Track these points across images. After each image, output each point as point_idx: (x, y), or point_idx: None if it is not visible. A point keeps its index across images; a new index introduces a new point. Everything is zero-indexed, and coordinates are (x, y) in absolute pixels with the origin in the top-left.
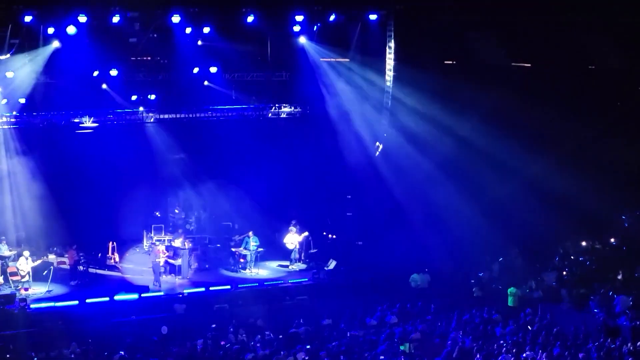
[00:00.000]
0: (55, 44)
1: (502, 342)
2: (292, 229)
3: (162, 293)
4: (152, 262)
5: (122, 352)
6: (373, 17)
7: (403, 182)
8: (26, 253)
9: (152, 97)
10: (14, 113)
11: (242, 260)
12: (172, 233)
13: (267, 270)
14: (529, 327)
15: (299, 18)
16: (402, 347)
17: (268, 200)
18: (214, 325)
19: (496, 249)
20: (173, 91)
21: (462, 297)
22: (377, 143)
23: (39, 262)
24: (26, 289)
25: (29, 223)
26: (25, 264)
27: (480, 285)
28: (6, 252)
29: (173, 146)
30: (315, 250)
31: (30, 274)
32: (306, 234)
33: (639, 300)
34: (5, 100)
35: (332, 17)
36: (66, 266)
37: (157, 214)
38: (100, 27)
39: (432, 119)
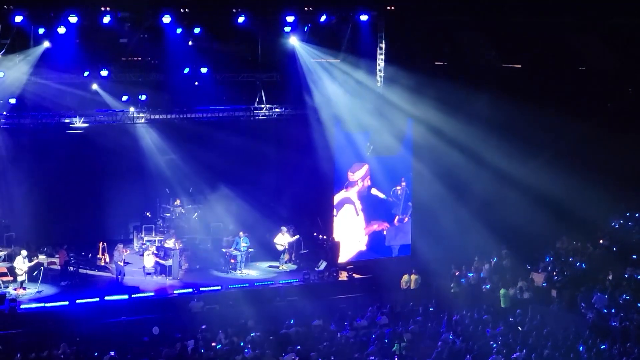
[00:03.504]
0: (46, 44)
1: (492, 342)
2: (283, 228)
3: (152, 294)
4: (116, 261)
5: (112, 353)
6: (364, 17)
7: (393, 182)
8: (23, 253)
9: (143, 97)
10: (4, 113)
11: (232, 261)
12: (162, 233)
13: (257, 271)
14: (519, 327)
15: (290, 19)
16: (394, 348)
17: (259, 201)
18: (204, 326)
19: (486, 250)
20: (164, 92)
21: (452, 297)
22: (368, 143)
23: (35, 261)
24: (24, 289)
25: (19, 223)
26: (22, 264)
27: (457, 282)
28: None
29: (164, 147)
30: (305, 251)
31: (27, 273)
32: (297, 237)
33: (632, 300)
34: None
35: (322, 18)
36: (56, 267)
37: (147, 214)
38: (91, 27)
39: (423, 120)
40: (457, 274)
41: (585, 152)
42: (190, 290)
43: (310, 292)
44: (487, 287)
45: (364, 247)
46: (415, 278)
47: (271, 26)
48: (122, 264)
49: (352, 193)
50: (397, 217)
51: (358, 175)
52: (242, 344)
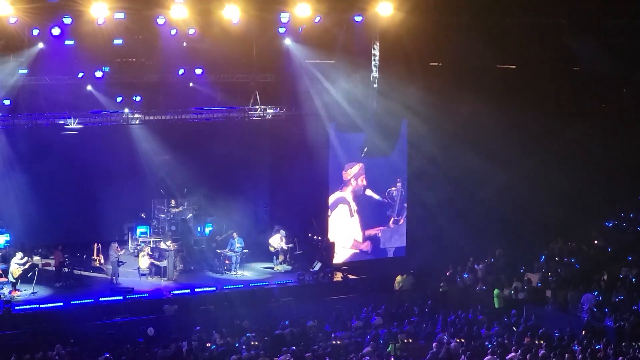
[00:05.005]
0: (40, 45)
1: (487, 343)
2: (282, 232)
3: (146, 295)
4: (111, 259)
5: (107, 354)
6: (358, 18)
7: (388, 183)
8: (18, 254)
9: (137, 98)
10: None
11: (227, 261)
12: (158, 234)
13: (252, 272)
14: (514, 328)
15: (284, 19)
16: (388, 349)
17: (253, 202)
18: (198, 327)
19: (481, 250)
20: (158, 93)
21: (447, 298)
22: (363, 144)
23: (29, 263)
24: (18, 290)
25: (13, 224)
26: (16, 265)
27: (447, 281)
28: None
29: (158, 147)
30: (300, 252)
31: (21, 275)
32: (291, 245)
33: (626, 300)
34: None
35: (317, 19)
36: (51, 268)
37: (142, 215)
38: (85, 28)
39: (417, 120)
40: (448, 274)
41: (579, 153)
42: (164, 294)
43: (305, 292)
44: (483, 288)
45: (358, 250)
46: (407, 279)
47: (265, 27)
48: (123, 253)
49: (347, 193)
50: (392, 219)
51: (351, 173)
52: (237, 345)
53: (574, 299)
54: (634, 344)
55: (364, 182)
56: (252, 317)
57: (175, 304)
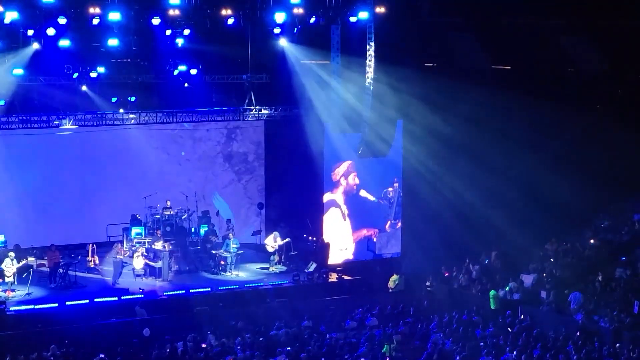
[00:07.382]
0: (35, 45)
1: (482, 344)
2: (276, 232)
3: (141, 295)
4: (113, 260)
5: (101, 355)
6: (353, 19)
7: (384, 184)
8: (11, 254)
9: (132, 99)
10: None
11: (222, 262)
12: (152, 234)
13: (247, 273)
14: (509, 329)
15: (280, 20)
16: (384, 349)
17: (248, 202)
18: (193, 330)
19: (477, 251)
20: (153, 93)
21: (442, 299)
22: (359, 145)
23: (23, 262)
24: (13, 290)
25: (7, 225)
26: (10, 266)
27: (442, 281)
28: None
29: (153, 148)
30: (295, 253)
31: (16, 275)
32: (287, 240)
33: (622, 301)
34: None
35: (312, 19)
36: (46, 268)
37: (137, 216)
38: (81, 29)
39: (413, 121)
40: (446, 274)
41: (575, 153)
42: (138, 295)
43: (300, 293)
44: (479, 288)
45: (351, 256)
46: (402, 278)
47: (261, 27)
48: (126, 255)
49: (337, 195)
50: (389, 222)
51: (339, 172)
52: (232, 346)
53: (564, 297)
54: (629, 345)
55: (356, 181)
56: (247, 318)
57: (144, 307)
